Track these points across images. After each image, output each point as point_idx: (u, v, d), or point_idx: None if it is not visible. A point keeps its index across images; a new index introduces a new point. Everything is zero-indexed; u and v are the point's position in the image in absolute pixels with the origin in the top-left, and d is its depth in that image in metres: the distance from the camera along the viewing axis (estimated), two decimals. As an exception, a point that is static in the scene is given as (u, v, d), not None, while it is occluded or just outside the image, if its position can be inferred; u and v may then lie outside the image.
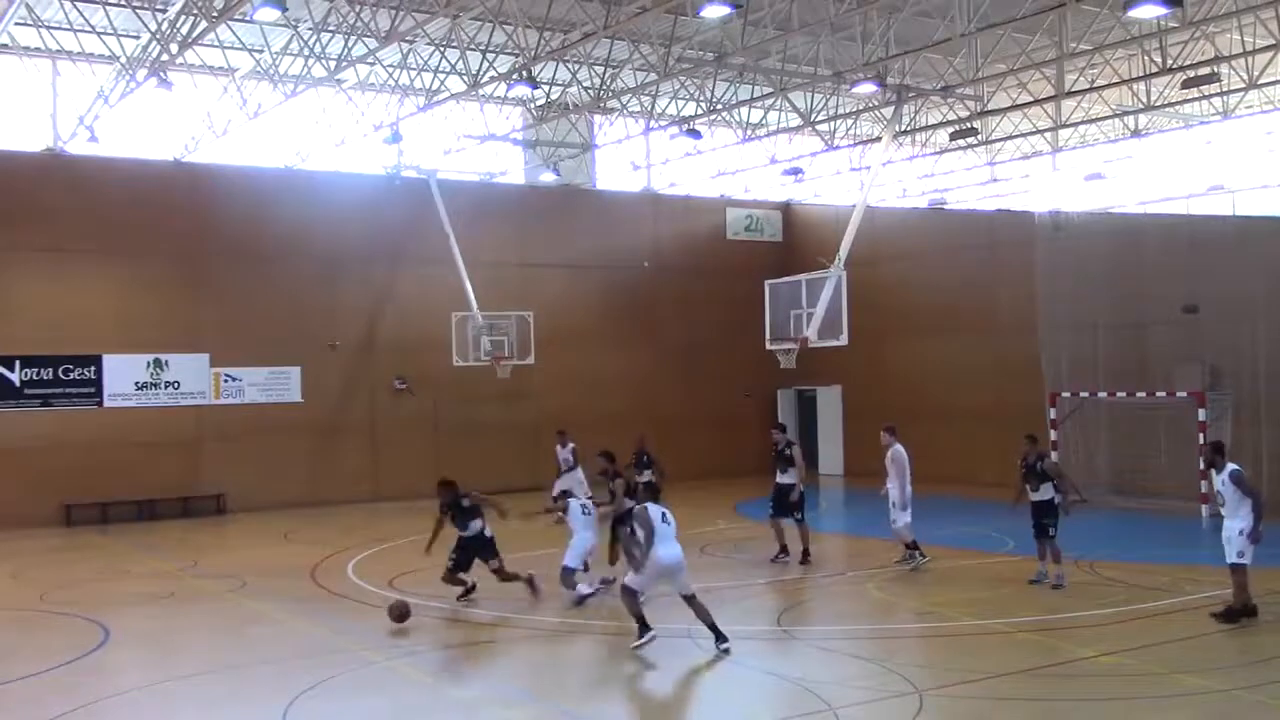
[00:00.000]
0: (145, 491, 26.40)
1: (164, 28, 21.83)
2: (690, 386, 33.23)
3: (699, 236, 34.85)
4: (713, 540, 20.71)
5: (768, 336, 22.26)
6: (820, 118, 28.40)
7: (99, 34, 24.38)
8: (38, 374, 25.96)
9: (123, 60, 23.99)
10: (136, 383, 27.03)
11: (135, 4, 23.05)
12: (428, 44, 24.96)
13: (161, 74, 21.95)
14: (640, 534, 12.44)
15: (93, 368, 26.55)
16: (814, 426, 34.43)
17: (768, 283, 22.62)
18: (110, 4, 23.30)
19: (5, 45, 24.30)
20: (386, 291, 30.02)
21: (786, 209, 36.36)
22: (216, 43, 24.16)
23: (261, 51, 24.98)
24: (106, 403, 26.68)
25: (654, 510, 12.66)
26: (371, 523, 24.79)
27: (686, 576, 12.62)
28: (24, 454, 25.38)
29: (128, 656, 13.39)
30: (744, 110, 29.10)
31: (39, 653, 13.03)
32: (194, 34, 21.00)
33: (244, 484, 27.34)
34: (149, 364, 27.19)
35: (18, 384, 25.78)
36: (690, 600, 12.52)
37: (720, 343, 32.97)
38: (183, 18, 21.36)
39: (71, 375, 26.32)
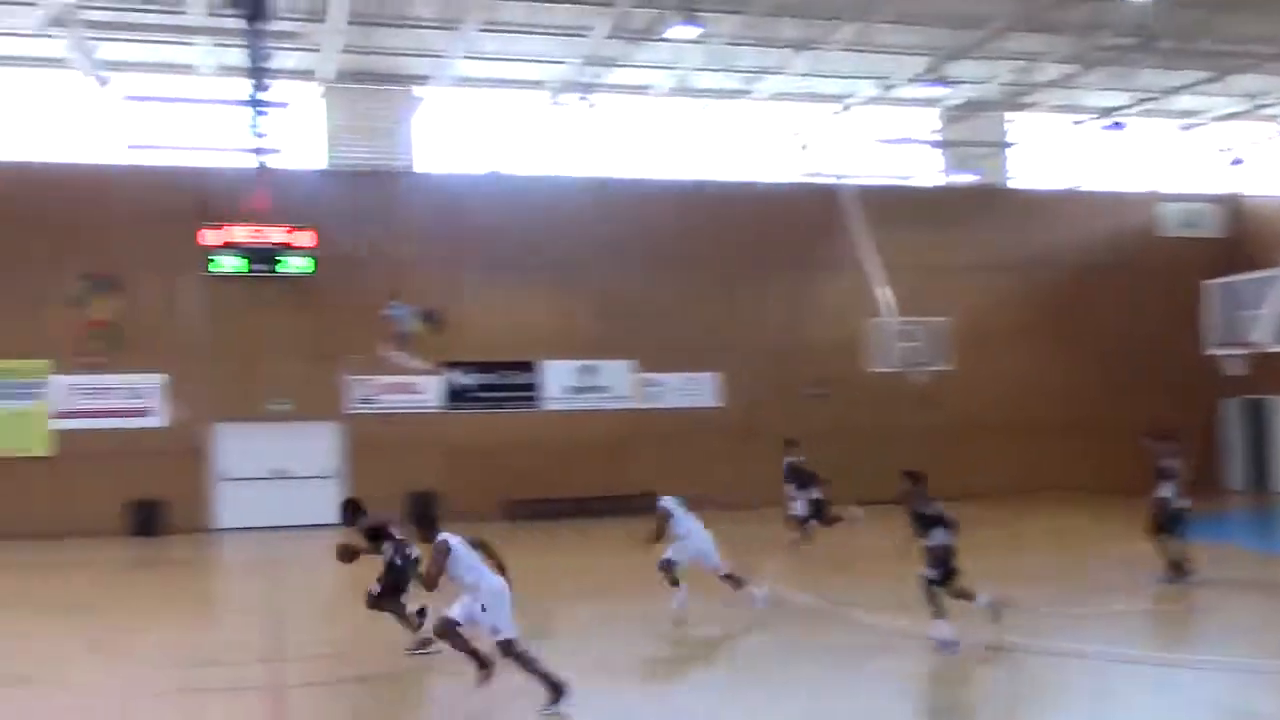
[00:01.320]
0: (577, 489, 28.03)
1: (589, 52, 23.26)
2: (1117, 393, 31.20)
3: (1126, 234, 32.68)
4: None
5: (1209, 340, 20.54)
6: (1269, 101, 25.91)
7: (532, 61, 26.19)
8: (484, 379, 28.39)
9: (553, 85, 25.66)
10: (568, 387, 28.91)
11: (563, 31, 24.59)
12: (838, 50, 24.99)
13: (585, 96, 23.44)
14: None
15: (530, 373, 28.71)
16: (1266, 439, 31.40)
17: (1208, 283, 20.87)
18: (540, 33, 24.96)
19: (453, 78, 26.56)
20: (802, 298, 30.27)
21: (1230, 202, 33.40)
22: (637, 63, 25.34)
23: (675, 68, 25.95)
24: (543, 405, 28.74)
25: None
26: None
27: None
28: (472, 453, 27.68)
29: (566, 642, 14.23)
30: (1178, 97, 27.04)
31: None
32: (615, 56, 22.27)
33: (666, 485, 28.31)
34: (579, 369, 29.01)
35: (468, 388, 28.28)
36: None
37: (1150, 347, 30.75)
38: (606, 41, 22.69)
39: (512, 380, 28.59)
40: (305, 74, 26.27)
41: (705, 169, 29.81)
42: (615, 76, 25.73)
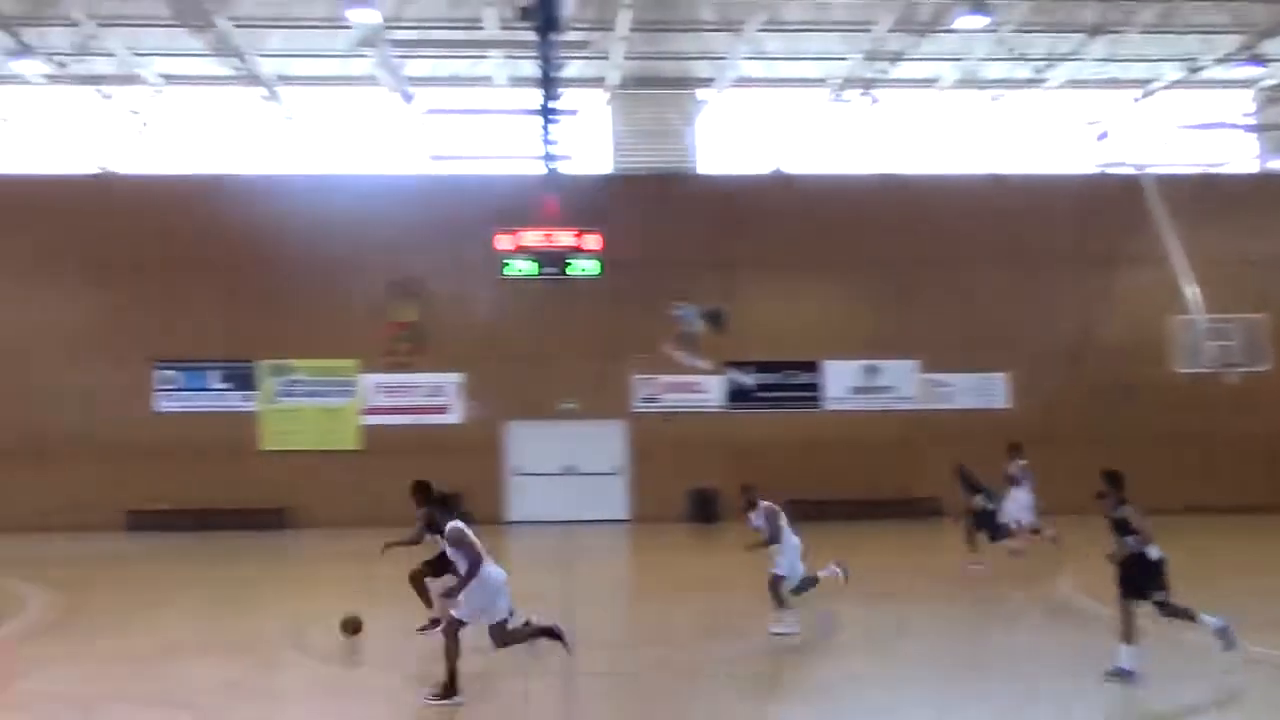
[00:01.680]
0: (857, 491, 27.63)
1: (873, 46, 22.89)
2: None
3: None
4: None
5: None
6: None
7: (814, 59, 26.02)
8: (766, 379, 28.41)
9: (836, 82, 25.40)
10: (852, 387, 28.55)
11: (846, 27, 24.29)
12: (1139, 32, 23.64)
13: (870, 91, 23.08)
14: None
15: (813, 372, 28.52)
16: None
17: None
18: (823, 30, 24.74)
19: (735, 79, 26.67)
20: (1100, 295, 28.81)
21: None
22: (922, 56, 24.75)
23: (965, 60, 25.21)
24: (826, 405, 28.50)
25: None
26: (1091, 536, 23.84)
27: None
28: (753, 453, 27.70)
29: (852, 645, 14.03)
30: None
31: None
32: (901, 50, 21.81)
33: (954, 490, 27.56)
34: (864, 368, 28.60)
35: (751, 388, 28.38)
36: None
37: None
38: (890, 35, 22.26)
39: (794, 379, 28.49)
40: (593, 81, 26.99)
41: (995, 162, 28.79)
42: (900, 71, 25.21)
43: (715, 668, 12.61)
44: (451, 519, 11.27)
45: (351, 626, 13.29)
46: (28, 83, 24.22)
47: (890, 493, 27.66)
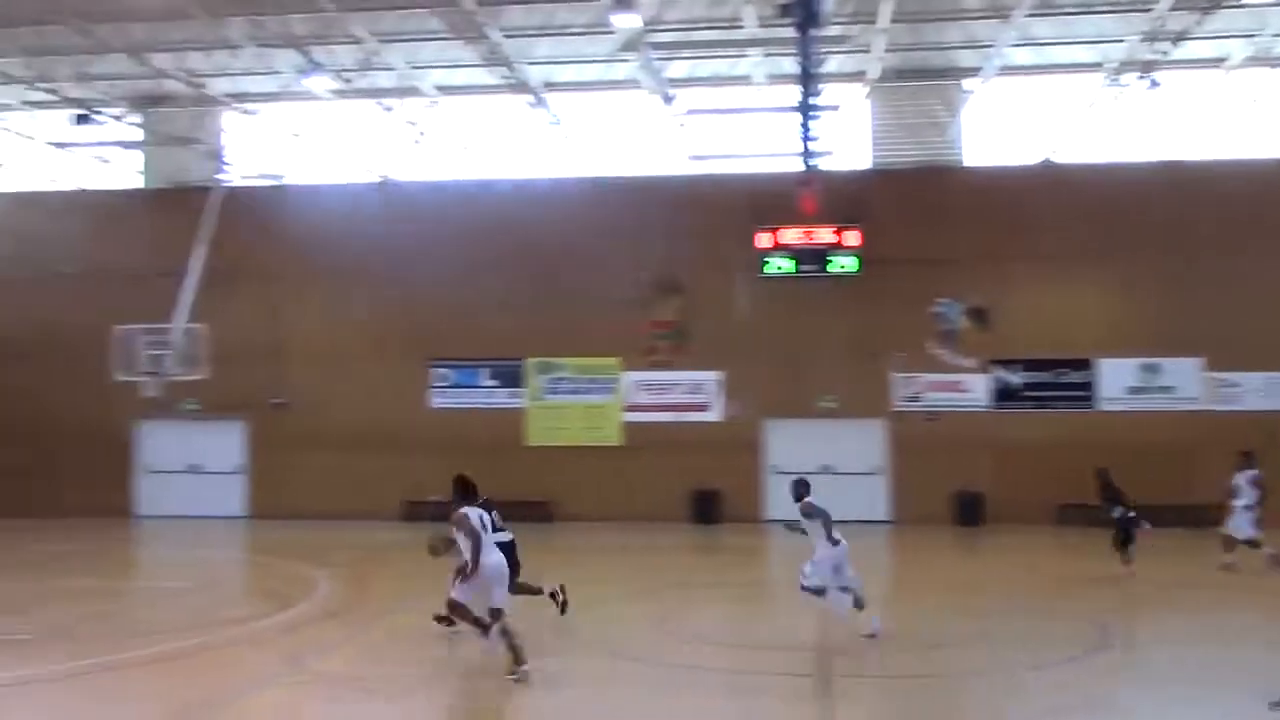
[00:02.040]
0: (1136, 497, 26.17)
1: (1153, 27, 21.60)
2: None
3: None
4: None
5: None
6: None
7: (1087, 43, 24.82)
8: (1034, 377, 27.30)
9: (1111, 65, 24.14)
10: (1128, 386, 27.09)
11: (1123, 8, 23.03)
12: None
13: (1149, 74, 21.77)
14: None
15: (1086, 371, 27.21)
16: None
17: None
18: (1098, 12, 23.56)
19: (1004, 67, 25.72)
20: None
21: None
22: (1207, 33, 23.18)
23: (1256, 35, 23.48)
24: (1099, 406, 27.14)
25: None
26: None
27: None
28: (1021, 455, 26.74)
29: (1123, 658, 13.35)
30: None
31: (1046, 644, 13.57)
32: (1184, 28, 20.49)
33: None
34: (1141, 367, 27.07)
35: (1018, 387, 27.35)
36: None
37: None
38: (1172, 13, 20.94)
39: (1065, 379, 27.25)
40: (853, 76, 26.60)
41: (1289, 144, 26.73)
42: (1182, 51, 23.68)
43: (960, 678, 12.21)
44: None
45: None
46: (316, 98, 25.84)
47: (1168, 499, 26.04)
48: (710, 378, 28.24)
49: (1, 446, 28.46)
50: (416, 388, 29.01)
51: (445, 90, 27.86)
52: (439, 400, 29.09)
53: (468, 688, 11.75)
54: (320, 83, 23.74)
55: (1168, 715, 11.09)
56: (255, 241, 28.94)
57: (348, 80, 24.10)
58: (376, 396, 28.64)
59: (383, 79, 26.01)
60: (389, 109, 25.62)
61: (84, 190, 30.16)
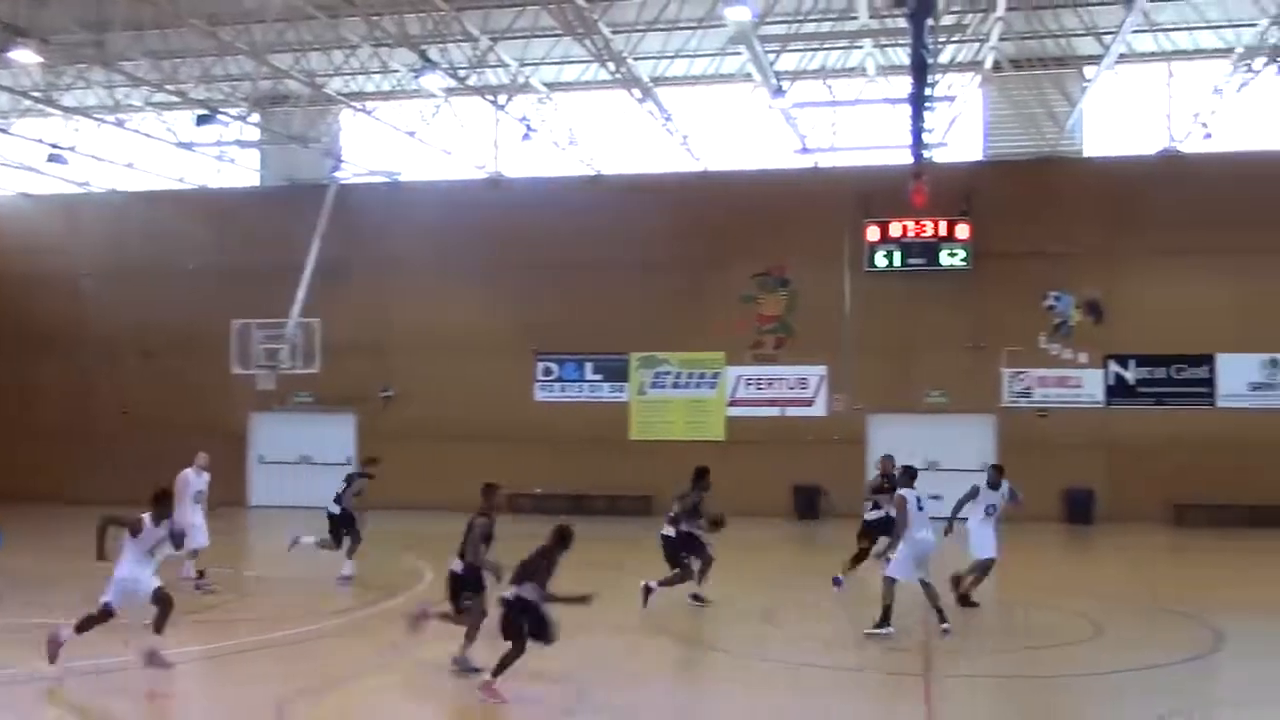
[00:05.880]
0: (1254, 496, 25.41)
1: (1284, 11, 20.88)
2: None
3: None
4: None
5: None
6: None
7: (1213, 28, 24.06)
8: (1151, 373, 26.58)
9: (1239, 51, 23.35)
10: (1251, 383, 26.21)
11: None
12: None
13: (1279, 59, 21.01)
14: None
15: (1205, 367, 26.39)
16: None
17: None
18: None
19: (1123, 54, 25.07)
20: None
21: None
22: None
23: None
24: (1219, 403, 26.31)
25: None
26: None
27: None
28: (1136, 451, 26.06)
29: (1237, 662, 12.96)
30: None
31: (1159, 647, 13.25)
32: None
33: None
34: (1265, 363, 26.17)
35: (1132, 382, 26.67)
36: None
37: None
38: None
39: (1184, 374, 26.47)
40: (967, 65, 26.11)
41: None
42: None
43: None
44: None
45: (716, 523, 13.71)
46: (431, 96, 26.22)
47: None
48: (816, 372, 28.04)
49: (132, 437, 29.45)
50: (522, 381, 29.32)
51: (555, 86, 28.07)
52: (543, 394, 29.37)
53: (569, 678, 11.83)
54: (434, 81, 24.07)
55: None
56: (368, 237, 29.55)
57: (461, 78, 24.40)
58: (482, 390, 29.00)
59: (494, 76, 26.30)
60: (501, 106, 25.88)
61: (205, 188, 31.06)
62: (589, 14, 22.37)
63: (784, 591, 17.47)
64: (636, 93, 24.85)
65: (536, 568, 11.12)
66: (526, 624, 10.81)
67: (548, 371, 29.37)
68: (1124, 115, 27.45)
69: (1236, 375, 26.29)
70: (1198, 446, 25.73)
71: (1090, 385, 26.88)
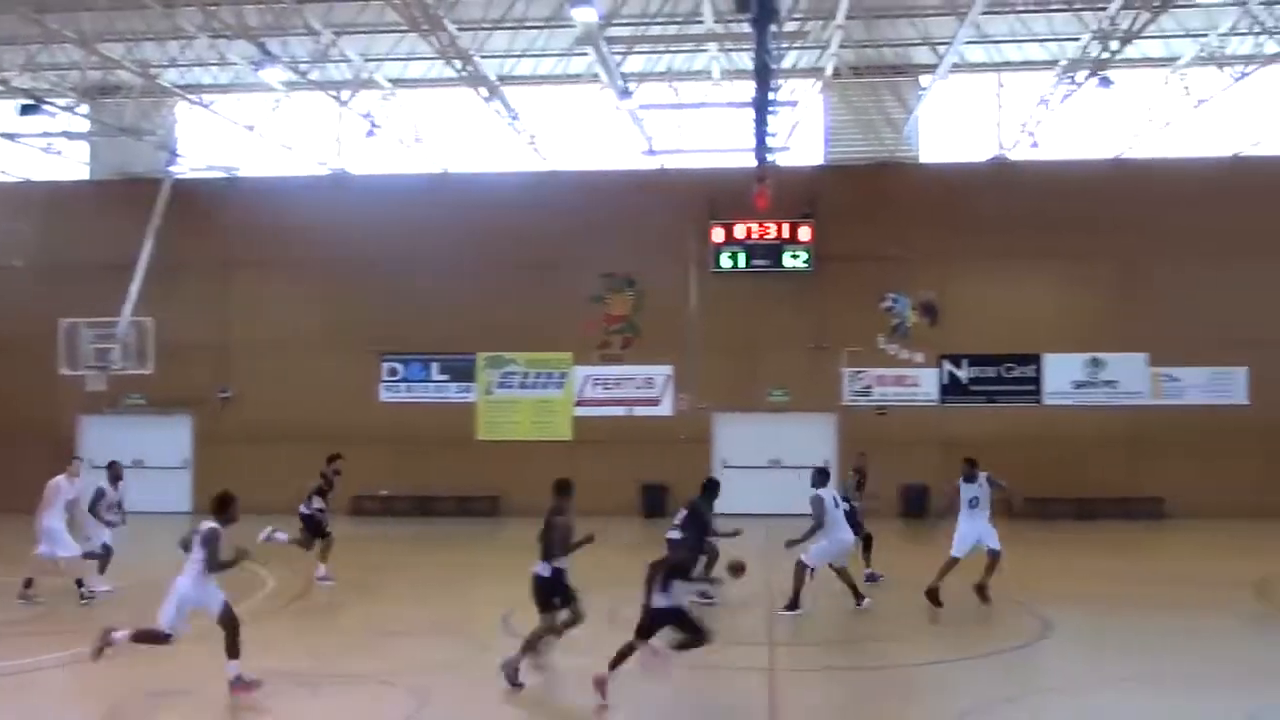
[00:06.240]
0: (1079, 490, 26.59)
1: (1104, 25, 21.84)
2: None
3: None
4: None
5: None
6: None
7: (1040, 41, 25.08)
8: (982, 372, 27.62)
9: (1063, 63, 24.38)
10: (1074, 381, 27.45)
11: (1077, 6, 23.27)
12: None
13: (1101, 72, 22.00)
14: None
15: (1032, 366, 27.54)
16: None
17: None
18: (1051, 10, 23.79)
19: (956, 64, 25.94)
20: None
21: None
22: (1158, 33, 23.47)
23: (1207, 35, 23.80)
24: (1045, 400, 27.48)
25: None
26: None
27: None
28: (969, 448, 26.89)
29: (1063, 649, 13.53)
30: None
31: (992, 636, 13.76)
32: (1136, 28, 20.71)
33: (1182, 488, 26.27)
34: (1087, 363, 27.44)
35: (964, 381, 27.65)
36: None
37: None
38: (1123, 12, 21.17)
39: (1013, 373, 27.58)
40: (809, 71, 26.68)
41: (1236, 144, 27.09)
42: (1134, 50, 23.94)
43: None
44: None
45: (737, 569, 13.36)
46: (271, 90, 25.57)
47: (1113, 492, 26.47)
48: (661, 372, 28.30)
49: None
50: (366, 382, 28.87)
51: (400, 83, 27.70)
52: (388, 394, 28.97)
53: (414, 684, 11.69)
54: (274, 74, 23.46)
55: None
56: (205, 234, 28.72)
57: (302, 72, 23.86)
58: (326, 390, 28.44)
59: (337, 71, 25.80)
60: (344, 102, 25.39)
61: (30, 182, 29.71)
62: (434, 10, 22.11)
63: (629, 590, 17.53)
64: (483, 91, 24.67)
65: (557, 534, 11.70)
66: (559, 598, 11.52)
67: (393, 372, 28.97)
68: (957, 123, 28.45)
69: (1061, 374, 27.53)
70: (1026, 442, 26.77)
71: (926, 384, 27.80)
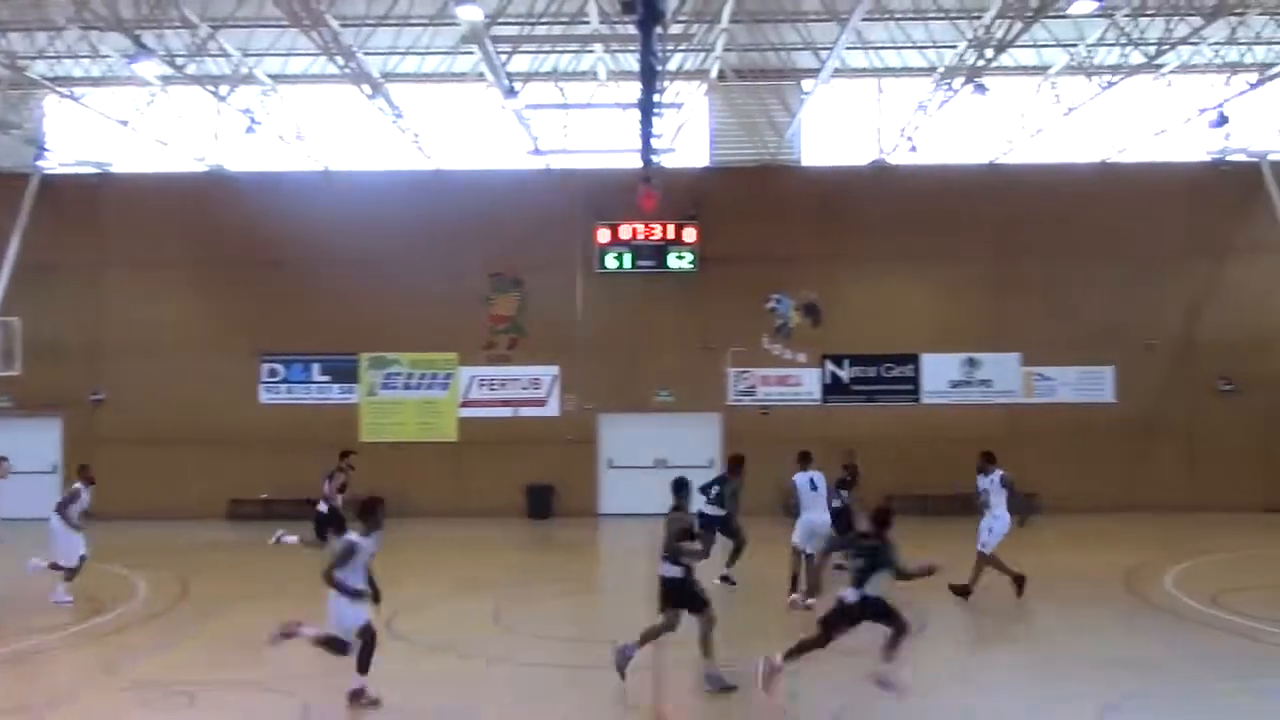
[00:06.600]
0: (960, 486, 27.18)
1: (980, 34, 22.43)
2: None
3: None
4: None
5: None
6: None
7: (918, 48, 25.64)
8: (863, 372, 28.16)
9: (940, 70, 24.97)
10: (951, 381, 28.15)
11: (953, 14, 23.85)
12: (1260, 14, 22.81)
13: (976, 80, 22.59)
14: None
15: (911, 366, 28.18)
16: None
17: None
18: (929, 18, 24.35)
19: (838, 69, 26.39)
20: (1209, 286, 28.02)
21: None
22: (1031, 42, 24.17)
23: (1076, 45, 24.59)
24: (924, 399, 28.14)
25: None
26: (1191, 533, 23.27)
27: None
28: (850, 446, 27.43)
29: (937, 646, 13.82)
30: None
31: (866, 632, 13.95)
32: (1009, 36, 21.29)
33: (1054, 484, 27.07)
34: (964, 363, 28.17)
35: (846, 381, 28.16)
36: None
37: None
38: (998, 21, 21.77)
39: (892, 373, 28.19)
40: (694, 73, 26.89)
41: (1105, 151, 28.06)
42: (1008, 58, 24.63)
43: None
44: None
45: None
46: (146, 84, 24.88)
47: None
48: (548, 373, 28.25)
49: None
50: (246, 383, 28.26)
51: (281, 79, 27.18)
52: (269, 396, 28.41)
53: (299, 690, 11.51)
54: (149, 68, 22.81)
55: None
56: (76, 232, 27.86)
57: (179, 66, 23.24)
58: (203, 392, 27.79)
59: (215, 65, 25.22)
60: (222, 97, 24.80)
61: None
62: (315, 5, 21.76)
63: (515, 591, 17.52)
64: (366, 88, 24.34)
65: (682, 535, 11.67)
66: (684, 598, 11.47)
67: (273, 373, 28.40)
68: (839, 127, 28.94)
69: (938, 374, 28.21)
70: (905, 440, 27.38)
71: (809, 384, 28.22)
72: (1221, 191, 27.56)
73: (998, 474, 16.43)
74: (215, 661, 12.99)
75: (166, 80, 24.68)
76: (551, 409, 28.22)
